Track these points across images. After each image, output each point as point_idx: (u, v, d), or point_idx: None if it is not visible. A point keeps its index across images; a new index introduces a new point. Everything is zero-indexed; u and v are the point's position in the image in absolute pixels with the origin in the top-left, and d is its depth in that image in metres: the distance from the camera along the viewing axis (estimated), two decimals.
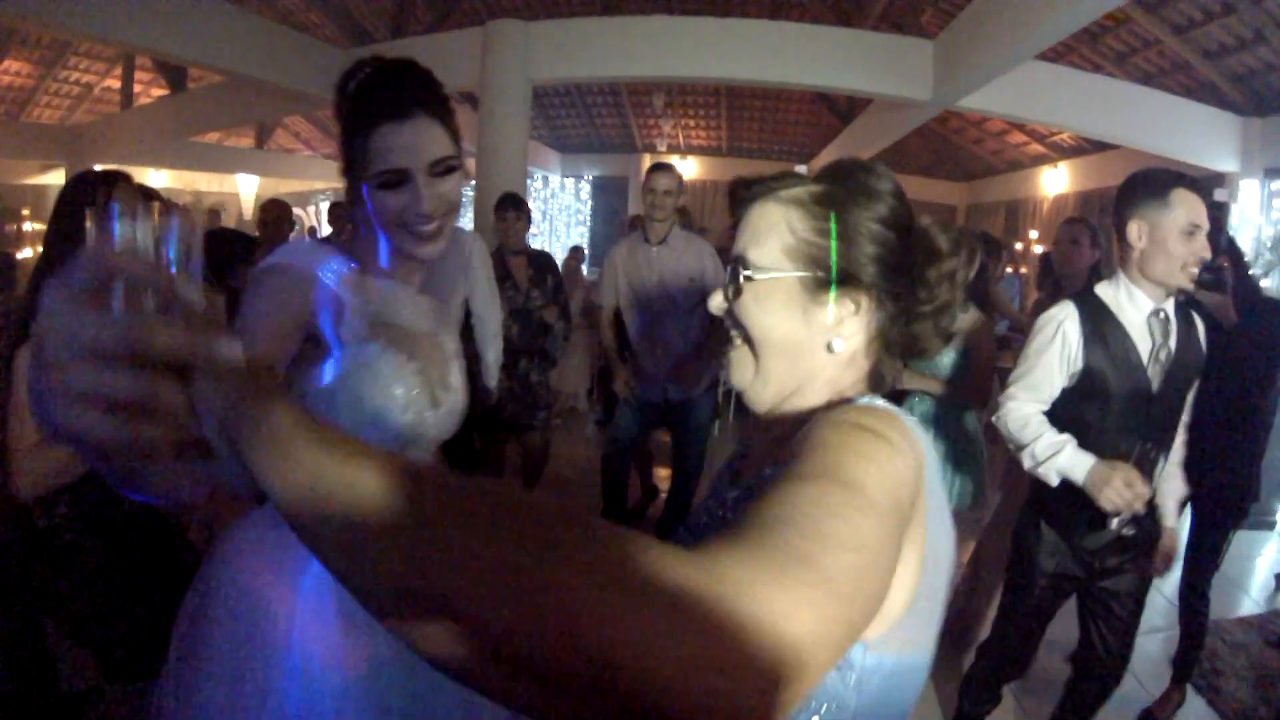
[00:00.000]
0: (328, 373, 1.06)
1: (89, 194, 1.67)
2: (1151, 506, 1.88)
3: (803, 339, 0.77)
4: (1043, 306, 3.77)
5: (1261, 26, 5.63)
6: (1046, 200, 9.49)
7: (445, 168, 1.08)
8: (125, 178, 1.75)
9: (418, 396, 1.14)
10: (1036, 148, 9.61)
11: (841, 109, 9.79)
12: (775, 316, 0.78)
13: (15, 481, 1.55)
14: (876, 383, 0.81)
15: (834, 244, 0.76)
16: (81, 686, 2.34)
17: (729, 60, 6.38)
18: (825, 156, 10.68)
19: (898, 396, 3.02)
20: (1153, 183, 1.84)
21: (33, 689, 2.09)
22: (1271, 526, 4.44)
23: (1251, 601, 3.67)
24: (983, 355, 2.79)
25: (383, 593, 0.41)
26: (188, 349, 0.44)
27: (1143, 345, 1.86)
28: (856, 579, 0.47)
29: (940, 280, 0.77)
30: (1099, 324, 1.88)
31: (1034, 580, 2.03)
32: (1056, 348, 1.91)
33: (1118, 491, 1.73)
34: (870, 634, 0.60)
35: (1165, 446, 1.93)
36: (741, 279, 0.79)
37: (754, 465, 0.84)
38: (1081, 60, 7.01)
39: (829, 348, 0.76)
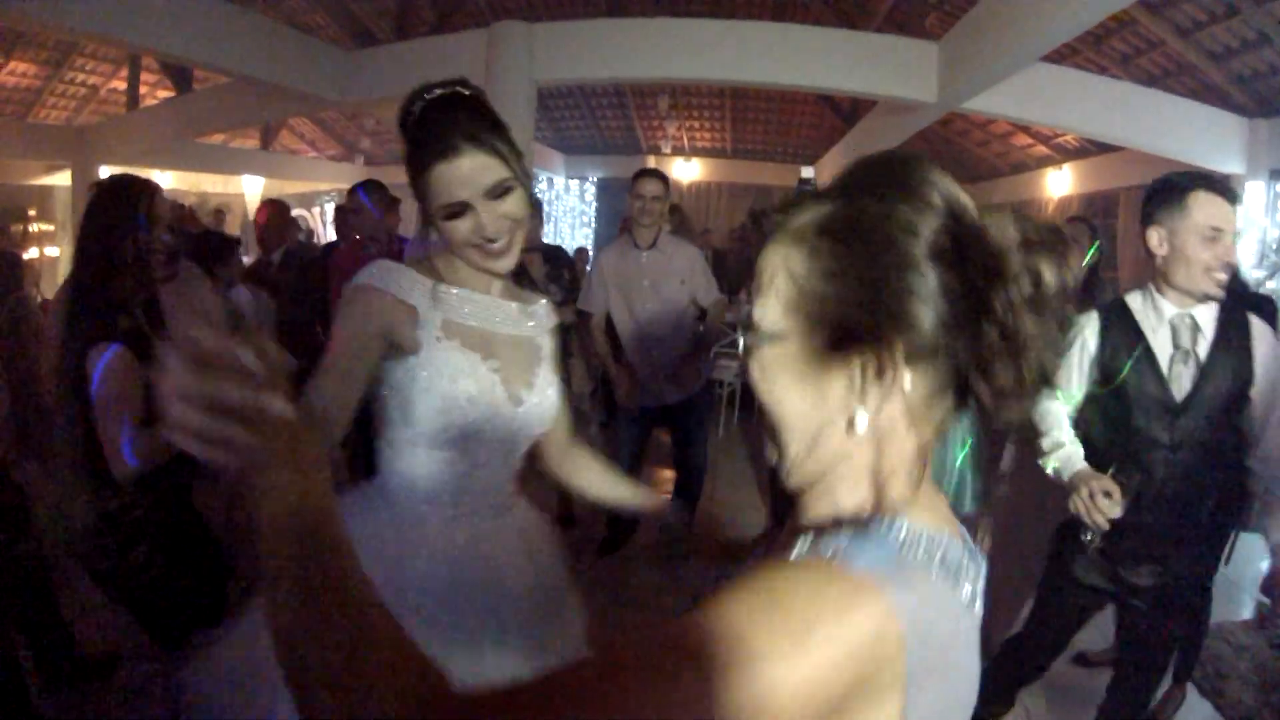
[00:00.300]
0: (406, 367, 1.20)
1: (127, 201, 1.84)
2: (1193, 538, 1.85)
3: (820, 417, 0.62)
4: None
5: (1266, 28, 5.61)
6: (1051, 202, 9.47)
7: (503, 189, 1.17)
8: (157, 188, 1.92)
9: (491, 392, 1.24)
10: (1041, 150, 9.59)
11: (845, 111, 9.77)
12: (782, 389, 0.63)
13: (113, 466, 1.73)
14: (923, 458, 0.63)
15: (824, 286, 0.60)
16: (99, 653, 2.52)
17: (733, 62, 6.38)
18: (829, 158, 10.67)
19: None
20: (1170, 187, 1.79)
21: (52, 652, 2.34)
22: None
23: (1256, 605, 3.65)
24: None
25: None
26: (245, 404, 0.56)
27: (1163, 352, 1.81)
28: None
29: (1011, 310, 0.56)
30: (1118, 330, 1.87)
31: (1069, 589, 2.00)
32: (1075, 353, 1.93)
33: (1082, 499, 1.74)
34: None
35: (1200, 463, 1.84)
36: (741, 344, 0.66)
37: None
38: (1086, 62, 7.00)
39: (849, 426, 0.60)
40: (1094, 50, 6.93)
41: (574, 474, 1.47)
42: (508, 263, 1.23)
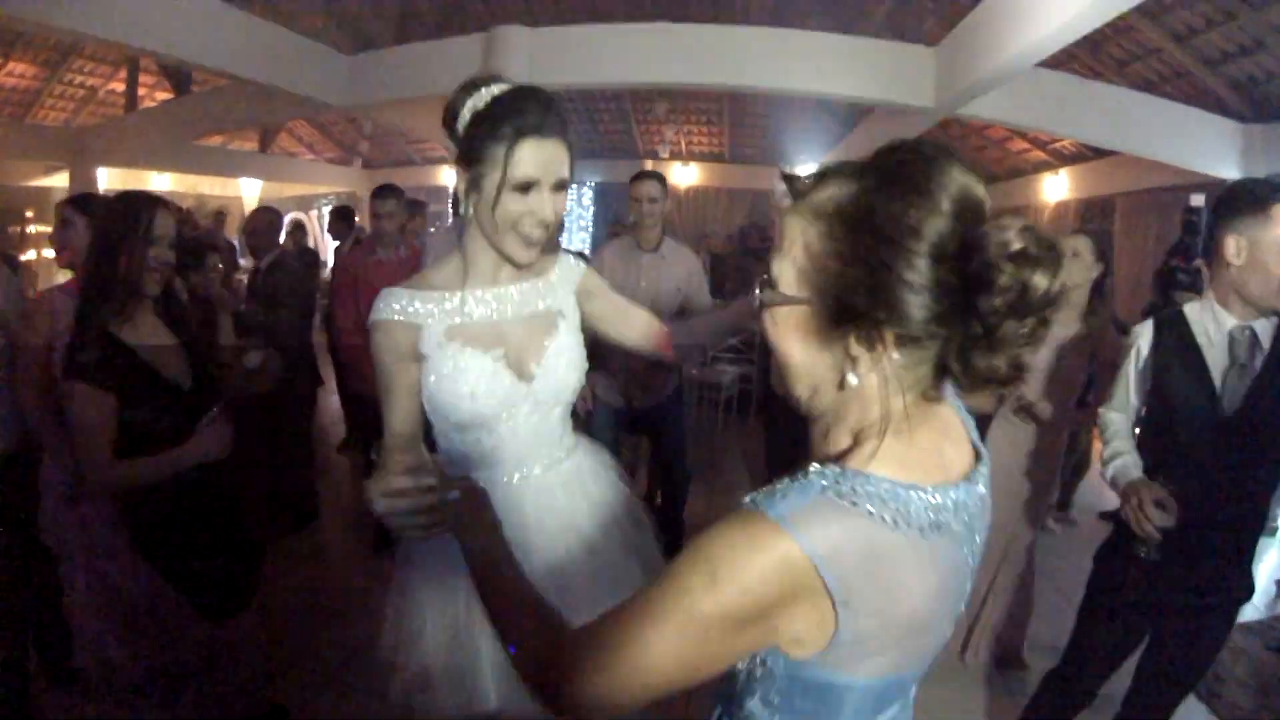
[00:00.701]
0: (423, 373, 1.36)
1: (129, 218, 1.87)
2: (1230, 557, 1.80)
3: (821, 372, 0.75)
4: None
5: (1262, 34, 5.65)
6: (1048, 207, 9.50)
7: (562, 185, 1.29)
8: (160, 206, 1.94)
9: (494, 380, 1.36)
10: (1038, 155, 9.63)
11: (843, 116, 9.80)
12: (790, 343, 0.76)
13: (89, 483, 1.84)
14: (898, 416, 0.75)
15: (834, 267, 0.70)
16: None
17: (731, 67, 6.40)
18: (826, 163, 10.68)
19: None
20: (1252, 196, 1.71)
21: (54, 651, 2.36)
22: (1273, 532, 4.43)
23: (1252, 607, 3.66)
24: None
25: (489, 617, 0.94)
26: (438, 502, 1.02)
27: (1216, 365, 1.74)
28: (635, 667, 0.73)
29: (994, 313, 0.64)
30: (1172, 340, 1.81)
31: (1114, 609, 1.96)
32: (1131, 363, 1.91)
33: (1134, 507, 1.69)
34: (795, 655, 0.74)
35: (1246, 480, 1.76)
36: (757, 297, 0.77)
37: None
38: (1082, 68, 7.03)
39: (842, 383, 0.73)
40: (1091, 56, 6.96)
41: (674, 339, 1.61)
42: (531, 255, 1.33)
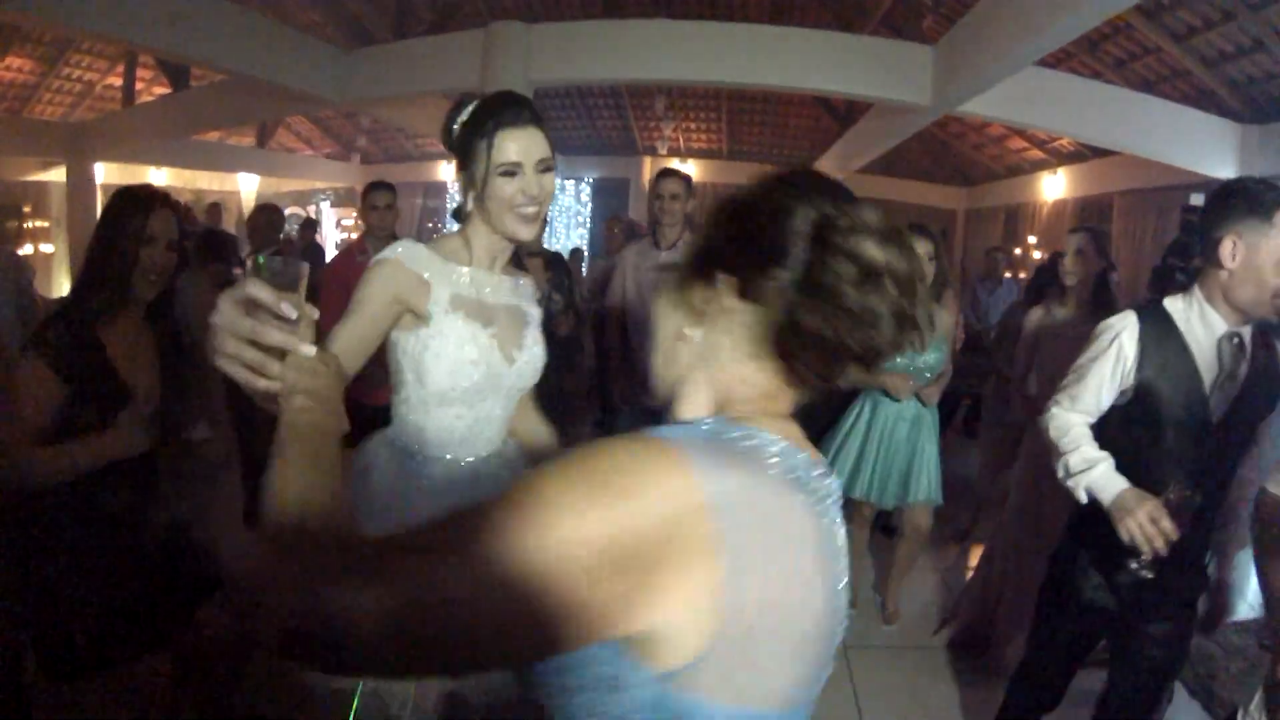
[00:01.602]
0: (419, 337, 1.43)
1: (123, 216, 1.79)
2: (1197, 555, 1.75)
3: (668, 329, 0.77)
4: (1014, 313, 3.83)
5: (1261, 34, 5.65)
6: (1045, 205, 9.51)
7: (545, 166, 1.43)
8: (154, 205, 1.83)
9: (490, 355, 1.47)
10: (1036, 153, 9.63)
11: (841, 113, 9.80)
12: (659, 305, 0.80)
13: (16, 476, 1.68)
14: (778, 395, 0.74)
15: (712, 230, 0.76)
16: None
17: (730, 64, 6.39)
18: (825, 160, 10.69)
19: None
20: (1257, 199, 1.61)
21: (53, 647, 2.15)
22: None
23: (1247, 606, 3.67)
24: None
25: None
26: (282, 344, 0.74)
27: (1207, 371, 1.68)
28: (451, 591, 0.55)
29: (826, 271, 0.66)
30: (1161, 341, 1.71)
31: (1069, 611, 1.91)
32: (1109, 360, 1.76)
33: (1140, 524, 1.59)
34: (662, 663, 0.59)
35: (1217, 485, 1.74)
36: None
37: None
38: (1081, 67, 7.04)
39: (683, 335, 0.75)
40: (1089, 55, 6.97)
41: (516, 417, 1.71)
42: (532, 230, 1.45)
